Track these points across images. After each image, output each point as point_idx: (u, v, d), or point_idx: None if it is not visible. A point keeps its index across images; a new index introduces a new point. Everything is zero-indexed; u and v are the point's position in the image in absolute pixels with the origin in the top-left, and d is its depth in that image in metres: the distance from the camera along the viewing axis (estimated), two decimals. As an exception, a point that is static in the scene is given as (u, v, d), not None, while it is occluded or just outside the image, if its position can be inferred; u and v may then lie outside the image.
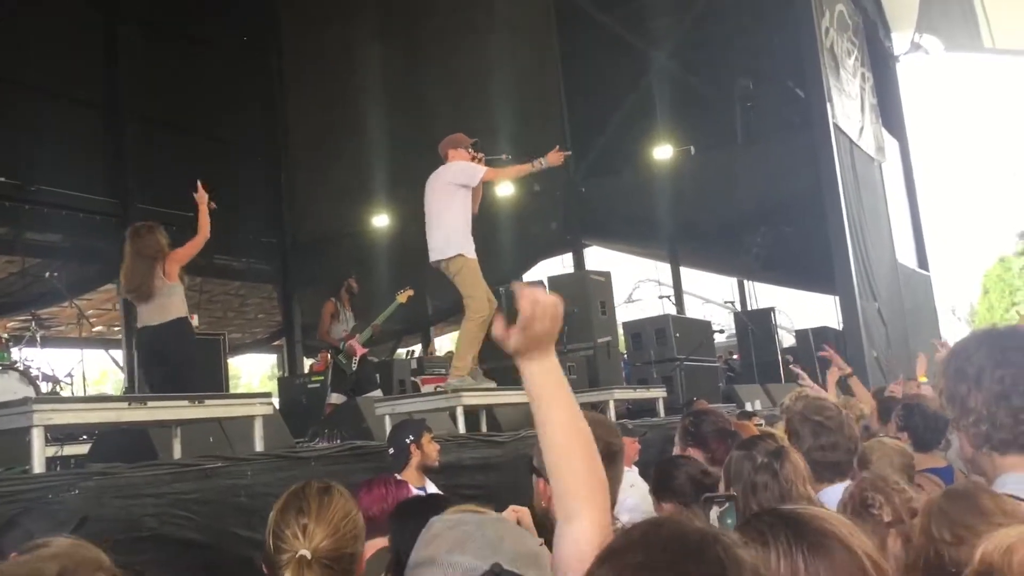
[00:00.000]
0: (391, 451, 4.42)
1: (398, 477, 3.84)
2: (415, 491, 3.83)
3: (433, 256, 5.91)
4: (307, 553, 1.85)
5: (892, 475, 2.39)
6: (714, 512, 1.57)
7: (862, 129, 12.37)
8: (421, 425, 4.51)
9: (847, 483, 2.47)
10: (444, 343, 16.44)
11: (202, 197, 6.54)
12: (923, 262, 15.01)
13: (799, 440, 2.76)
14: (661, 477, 3.07)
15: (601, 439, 2.06)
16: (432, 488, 4.35)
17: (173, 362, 5.92)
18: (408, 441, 4.36)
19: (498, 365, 6.39)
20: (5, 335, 8.39)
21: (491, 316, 5.74)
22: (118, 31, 12.78)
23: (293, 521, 1.91)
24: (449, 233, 5.86)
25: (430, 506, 2.47)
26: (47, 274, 9.51)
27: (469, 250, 5.85)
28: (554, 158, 5.98)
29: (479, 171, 5.95)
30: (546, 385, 1.46)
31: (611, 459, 2.08)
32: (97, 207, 12.52)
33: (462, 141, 6.14)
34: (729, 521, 1.56)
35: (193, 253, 6.39)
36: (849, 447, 2.77)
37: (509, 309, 1.47)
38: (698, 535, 0.91)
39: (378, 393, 8.04)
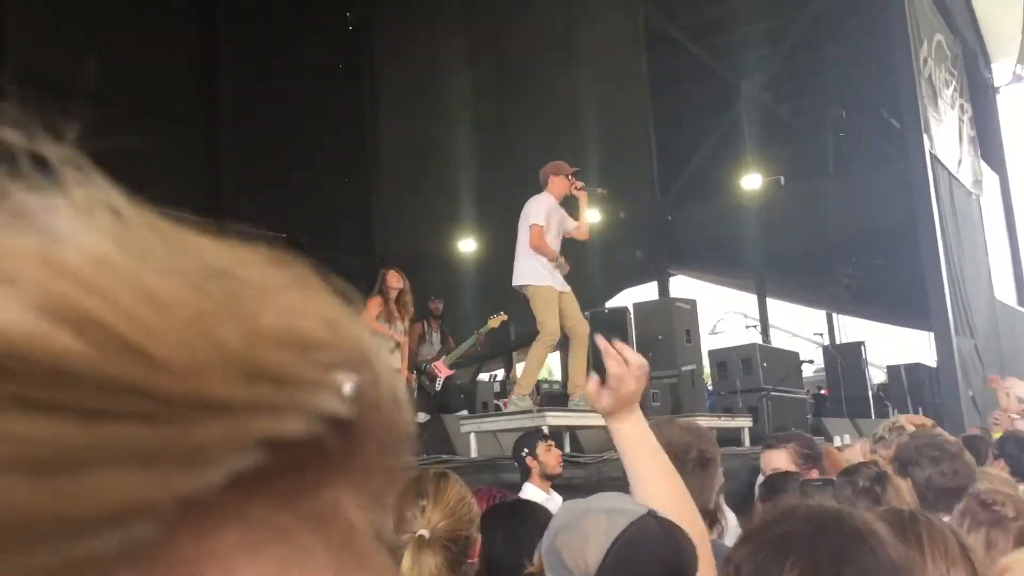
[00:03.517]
0: (516, 465, 4.71)
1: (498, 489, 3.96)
2: (539, 498, 4.07)
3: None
4: (426, 533, 1.92)
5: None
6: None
7: (960, 161, 12.05)
8: (536, 436, 4.76)
9: None
10: (526, 369, 16.45)
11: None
12: (1023, 300, 14.50)
13: (916, 468, 2.73)
14: (771, 490, 3.07)
15: (695, 447, 2.10)
16: (557, 497, 4.49)
17: None
18: (524, 454, 4.59)
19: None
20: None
21: (555, 344, 6.34)
22: (216, 51, 13.27)
23: (412, 503, 1.99)
24: (519, 263, 6.38)
25: (520, 511, 2.50)
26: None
27: (538, 278, 6.25)
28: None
29: (530, 225, 6.30)
30: (636, 443, 1.50)
31: (705, 465, 2.10)
32: (194, 226, 12.93)
33: (561, 168, 6.41)
34: None
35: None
36: (969, 474, 2.73)
37: (596, 363, 1.53)
38: (836, 510, 0.93)
39: (464, 413, 8.11)
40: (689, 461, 2.03)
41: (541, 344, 6.22)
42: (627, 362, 1.53)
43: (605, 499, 1.29)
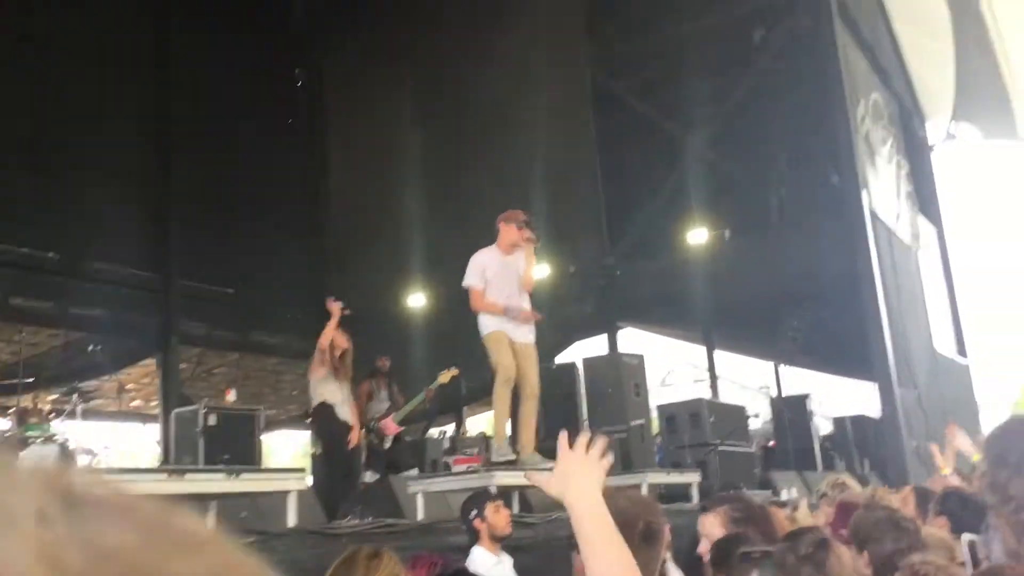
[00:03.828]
0: (464, 528, 4.58)
1: (438, 554, 3.90)
2: (488, 561, 4.15)
3: None
4: None
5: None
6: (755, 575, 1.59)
7: (898, 216, 12.38)
8: (484, 497, 4.66)
9: None
10: (477, 424, 16.34)
11: (334, 310, 7.64)
12: (962, 351, 14.80)
13: (875, 544, 2.74)
14: (719, 554, 3.06)
15: (642, 518, 2.09)
16: (507, 558, 4.44)
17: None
18: (472, 516, 4.47)
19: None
20: (47, 408, 8.54)
21: (512, 378, 6.23)
22: (166, 109, 13.21)
23: None
24: (478, 319, 6.42)
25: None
26: (90, 347, 9.68)
27: (488, 327, 6.33)
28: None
29: (471, 282, 6.37)
30: (588, 530, 1.50)
31: (651, 539, 2.10)
32: (140, 282, 12.77)
33: (513, 217, 6.43)
34: None
35: (317, 355, 7.48)
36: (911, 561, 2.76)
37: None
38: None
39: (413, 472, 8.03)
40: (636, 534, 2.03)
41: (497, 384, 6.24)
42: (569, 450, 1.57)
43: None
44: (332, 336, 7.52)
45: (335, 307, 7.64)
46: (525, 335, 6.45)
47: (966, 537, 3.11)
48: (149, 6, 13.40)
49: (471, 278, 6.38)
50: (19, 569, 0.24)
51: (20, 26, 11.27)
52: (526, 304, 6.58)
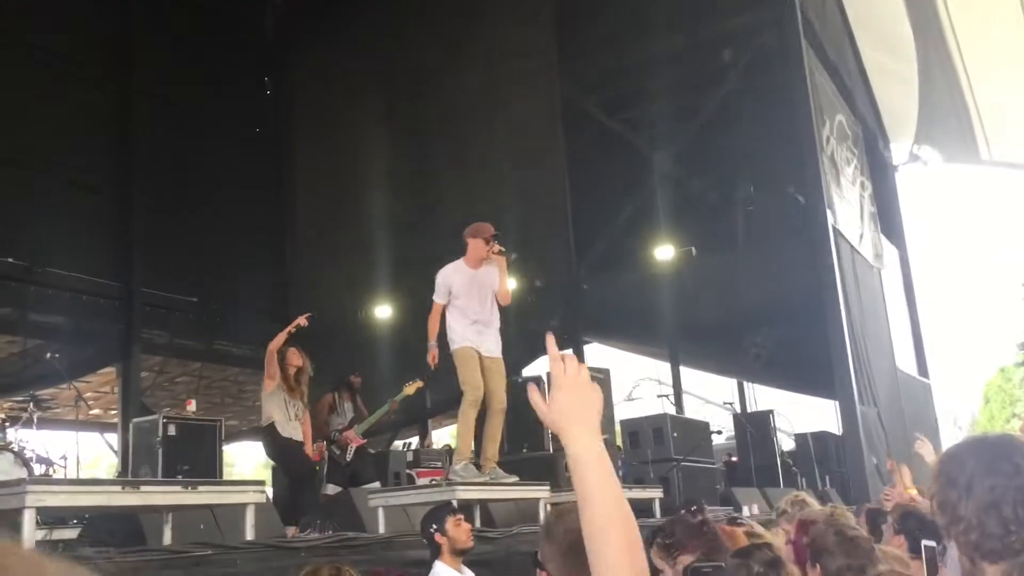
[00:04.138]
0: (425, 542, 4.53)
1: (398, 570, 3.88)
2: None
3: None
4: None
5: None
6: None
7: (861, 236, 12.52)
8: (445, 511, 4.60)
9: None
10: (442, 436, 16.30)
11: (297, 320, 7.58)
12: (923, 369, 14.98)
13: (827, 556, 2.75)
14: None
15: None
16: (469, 573, 4.48)
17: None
18: (432, 531, 4.44)
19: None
20: (1, 416, 8.38)
21: (480, 399, 6.16)
22: (130, 116, 13.07)
23: None
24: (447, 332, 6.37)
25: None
26: (48, 355, 9.53)
27: (456, 342, 6.28)
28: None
29: (436, 298, 6.39)
30: (587, 473, 1.41)
31: None
32: (102, 290, 12.60)
33: (481, 231, 6.37)
34: None
35: (267, 365, 7.31)
36: (876, 571, 2.76)
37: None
38: None
39: (376, 485, 7.95)
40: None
41: (465, 402, 6.16)
42: (571, 365, 1.45)
43: None
44: (281, 343, 7.39)
45: (300, 319, 7.57)
46: (493, 349, 6.39)
47: (926, 543, 3.14)
48: (113, 12, 13.27)
49: (438, 293, 6.35)
50: None
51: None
52: (496, 317, 6.54)
